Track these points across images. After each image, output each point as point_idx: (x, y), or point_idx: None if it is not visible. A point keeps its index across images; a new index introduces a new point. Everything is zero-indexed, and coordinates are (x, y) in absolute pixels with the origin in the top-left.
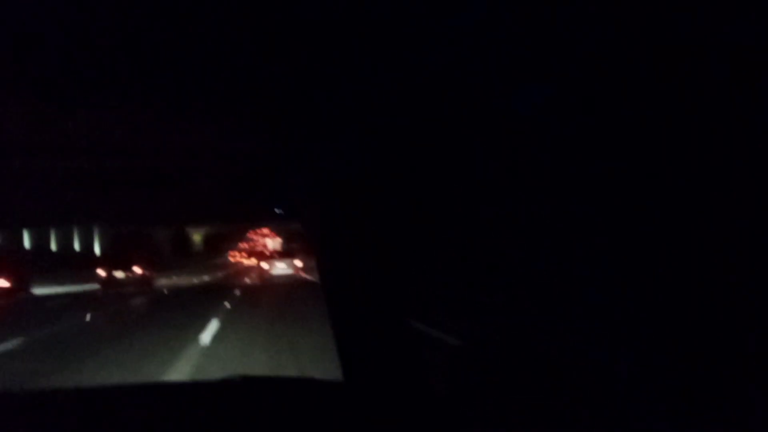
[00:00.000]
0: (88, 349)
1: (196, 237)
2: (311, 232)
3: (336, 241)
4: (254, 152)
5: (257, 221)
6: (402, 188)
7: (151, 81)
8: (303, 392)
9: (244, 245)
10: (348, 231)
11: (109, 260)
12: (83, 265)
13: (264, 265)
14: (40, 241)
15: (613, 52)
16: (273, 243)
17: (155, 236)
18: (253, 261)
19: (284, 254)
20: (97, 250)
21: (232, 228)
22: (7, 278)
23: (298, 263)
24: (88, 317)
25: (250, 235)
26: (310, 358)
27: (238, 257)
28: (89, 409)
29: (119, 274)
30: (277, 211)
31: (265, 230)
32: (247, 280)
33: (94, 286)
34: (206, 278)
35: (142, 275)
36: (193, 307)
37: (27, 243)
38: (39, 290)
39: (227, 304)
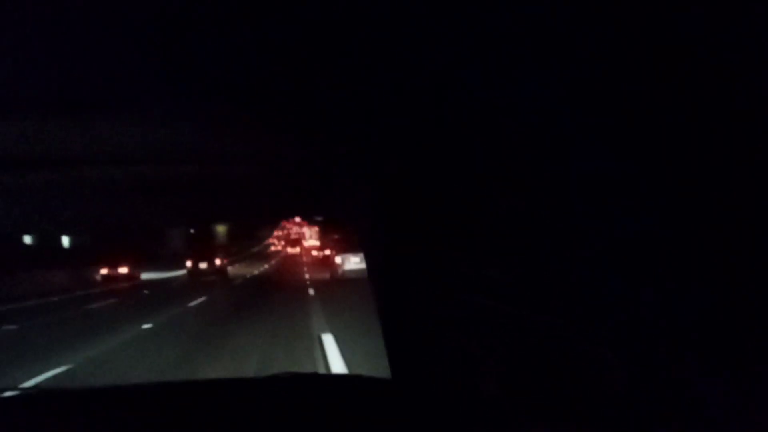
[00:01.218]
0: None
1: (220, 229)
2: (360, 228)
3: (386, 236)
4: (300, 151)
5: (287, 213)
6: (456, 185)
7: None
8: (351, 389)
9: (279, 233)
10: (399, 227)
11: (194, 254)
12: (168, 257)
13: (337, 259)
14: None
15: (614, 50)
16: (310, 231)
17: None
18: (297, 250)
19: (356, 246)
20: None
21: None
22: (127, 266)
23: None
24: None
25: (284, 224)
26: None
27: (279, 246)
28: (137, 406)
29: (203, 265)
30: (317, 218)
31: (297, 218)
32: (306, 272)
33: (182, 273)
34: (266, 266)
35: (220, 266)
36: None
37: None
38: (144, 276)
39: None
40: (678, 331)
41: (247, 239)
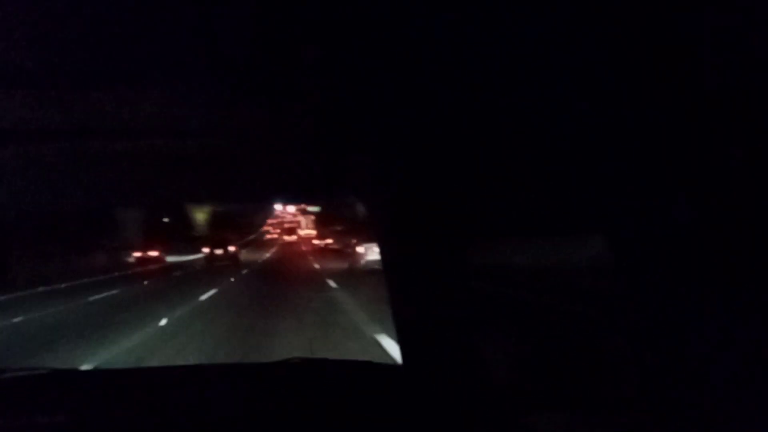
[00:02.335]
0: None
1: (200, 215)
2: (375, 216)
3: (401, 224)
4: (308, 135)
5: (281, 200)
6: (473, 174)
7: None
8: (360, 375)
9: (273, 221)
10: (413, 215)
11: (211, 240)
12: (184, 241)
13: (359, 249)
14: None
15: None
16: (306, 221)
17: (124, 215)
18: (293, 238)
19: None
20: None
21: (238, 206)
22: (157, 250)
23: None
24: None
25: (277, 213)
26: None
27: (274, 234)
28: (148, 389)
29: (219, 251)
30: (311, 209)
31: (291, 207)
32: (313, 260)
33: (195, 257)
34: (271, 251)
35: (234, 252)
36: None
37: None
38: (169, 258)
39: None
40: (693, 324)
41: (241, 227)
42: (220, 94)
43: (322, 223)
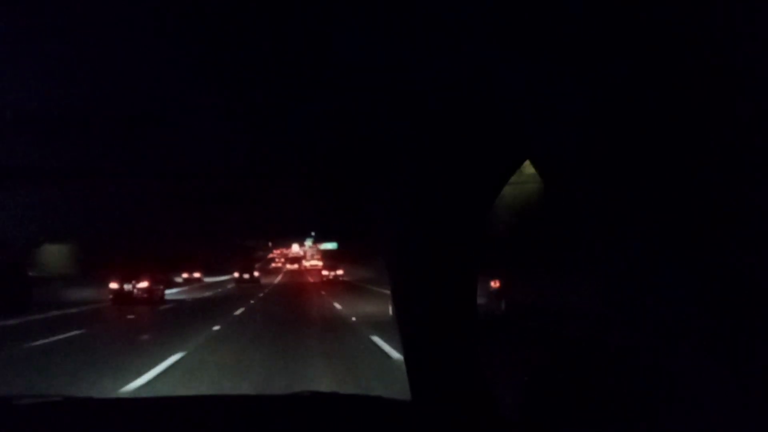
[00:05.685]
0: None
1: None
2: (386, 249)
3: (411, 258)
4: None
5: (291, 236)
6: (483, 203)
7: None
8: (370, 410)
9: (277, 251)
10: (425, 249)
11: (239, 265)
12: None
13: None
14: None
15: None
16: (311, 251)
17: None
18: (295, 266)
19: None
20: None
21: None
22: (199, 272)
23: None
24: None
25: (282, 250)
26: None
27: (279, 263)
28: (157, 420)
29: (245, 275)
30: (317, 245)
31: (296, 245)
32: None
33: (226, 278)
34: (279, 278)
35: (257, 277)
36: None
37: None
38: (206, 279)
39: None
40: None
41: (249, 257)
42: (244, 142)
43: (332, 256)
